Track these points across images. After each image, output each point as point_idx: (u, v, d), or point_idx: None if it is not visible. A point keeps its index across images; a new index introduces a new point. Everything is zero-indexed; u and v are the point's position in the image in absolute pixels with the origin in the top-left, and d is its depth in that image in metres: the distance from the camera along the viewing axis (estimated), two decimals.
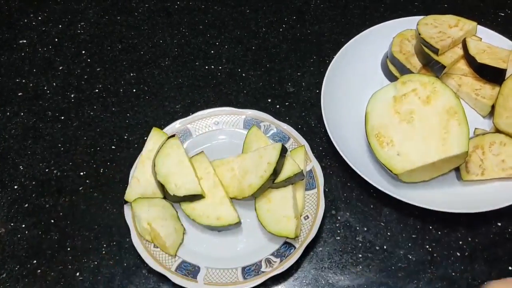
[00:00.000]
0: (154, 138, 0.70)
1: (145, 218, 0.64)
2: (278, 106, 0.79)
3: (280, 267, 0.62)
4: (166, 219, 0.65)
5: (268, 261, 0.63)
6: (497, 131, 0.71)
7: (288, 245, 0.64)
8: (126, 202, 0.67)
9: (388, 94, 0.69)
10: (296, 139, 0.72)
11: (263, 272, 0.62)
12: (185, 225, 0.67)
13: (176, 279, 0.62)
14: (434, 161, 0.64)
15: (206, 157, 0.69)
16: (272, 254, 0.63)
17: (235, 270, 0.63)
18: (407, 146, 0.66)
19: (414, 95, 0.68)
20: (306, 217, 0.65)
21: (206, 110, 0.75)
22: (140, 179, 0.68)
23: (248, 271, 0.62)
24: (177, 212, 0.67)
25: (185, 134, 0.74)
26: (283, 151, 0.64)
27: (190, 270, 0.63)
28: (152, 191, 0.67)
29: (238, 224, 0.65)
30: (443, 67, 0.75)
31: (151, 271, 0.65)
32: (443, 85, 0.67)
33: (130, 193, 0.67)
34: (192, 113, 0.78)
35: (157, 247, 0.64)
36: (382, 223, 0.68)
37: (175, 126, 0.74)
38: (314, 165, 0.69)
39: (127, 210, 0.67)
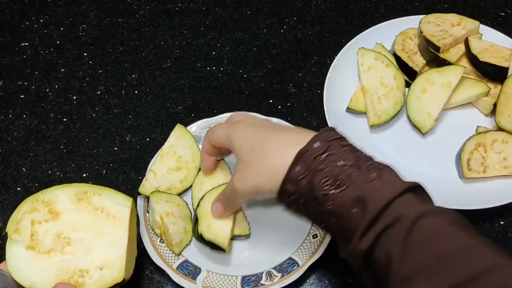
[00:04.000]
0: (177, 134, 0.71)
1: (159, 211, 0.64)
2: (280, 107, 0.79)
3: (279, 282, 0.61)
4: (178, 218, 0.65)
5: (269, 274, 0.63)
6: (499, 129, 0.71)
7: (292, 261, 0.63)
8: (139, 194, 0.67)
9: None
10: None
11: (262, 284, 0.61)
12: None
13: (176, 277, 0.62)
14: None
15: (227, 165, 0.69)
16: (275, 268, 0.63)
17: (235, 278, 0.63)
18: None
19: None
20: (314, 236, 0.65)
21: (231, 113, 0.74)
22: (157, 173, 0.68)
23: (248, 281, 0.62)
24: (191, 213, 0.67)
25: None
26: None
27: (191, 271, 0.63)
28: (167, 187, 0.68)
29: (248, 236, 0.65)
30: (449, 64, 0.75)
31: (154, 271, 0.65)
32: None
33: (145, 186, 0.67)
34: (194, 115, 0.79)
35: (163, 242, 0.64)
36: None
37: (199, 124, 0.74)
38: None
39: (140, 202, 0.67)
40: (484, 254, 0.45)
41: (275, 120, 0.71)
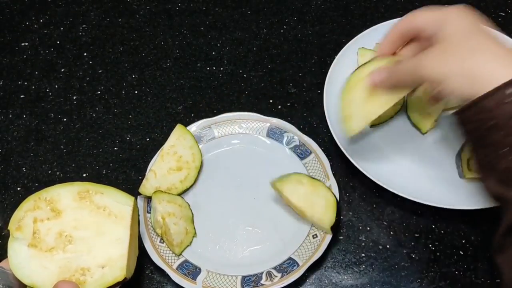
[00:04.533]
0: (177, 134, 0.71)
1: (161, 211, 0.64)
2: (279, 107, 0.79)
3: (279, 283, 0.61)
4: (180, 218, 0.65)
5: (269, 274, 0.63)
6: None
7: (291, 261, 0.63)
8: (139, 194, 0.68)
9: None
10: (317, 154, 0.71)
11: (262, 284, 0.62)
12: (197, 229, 0.67)
13: (176, 277, 0.62)
14: None
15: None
16: (274, 268, 0.63)
17: (235, 278, 0.63)
18: None
19: None
20: (314, 236, 0.65)
21: (231, 113, 0.75)
22: (157, 173, 0.69)
23: (248, 281, 0.62)
24: (192, 215, 0.67)
25: (208, 133, 0.74)
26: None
27: (190, 271, 0.63)
28: (167, 187, 0.68)
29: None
30: None
31: (154, 271, 0.65)
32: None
33: (146, 186, 0.68)
34: (194, 115, 0.79)
35: (163, 242, 0.64)
36: (385, 222, 0.68)
37: (199, 124, 0.75)
38: (331, 184, 0.68)
39: (140, 202, 0.67)
40: None
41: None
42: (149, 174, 0.69)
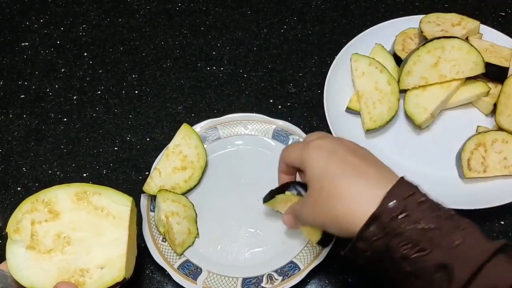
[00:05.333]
0: (183, 133, 0.71)
1: (164, 210, 0.64)
2: (280, 107, 0.79)
3: (280, 286, 0.61)
4: (183, 218, 0.65)
5: (270, 277, 0.62)
6: (499, 129, 0.71)
7: (293, 264, 0.63)
8: (143, 192, 0.68)
9: None
10: None
11: (262, 287, 0.61)
12: (200, 229, 0.67)
13: (177, 277, 0.62)
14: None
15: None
16: (275, 271, 0.63)
17: (236, 279, 0.63)
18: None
19: None
20: None
21: (237, 114, 0.75)
22: (162, 172, 0.69)
23: (248, 283, 0.62)
24: (196, 215, 0.67)
25: (213, 133, 0.74)
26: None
27: (192, 271, 0.63)
28: (171, 186, 0.68)
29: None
30: None
31: (154, 271, 0.65)
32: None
33: (150, 184, 0.68)
34: (194, 115, 0.79)
35: (165, 241, 0.64)
36: None
37: (203, 125, 0.74)
38: None
39: (143, 200, 0.67)
40: None
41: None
42: (153, 172, 0.69)
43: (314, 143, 0.55)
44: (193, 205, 0.67)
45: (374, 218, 0.47)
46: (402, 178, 0.50)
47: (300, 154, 0.56)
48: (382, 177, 0.50)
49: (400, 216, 0.46)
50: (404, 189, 0.48)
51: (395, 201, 0.47)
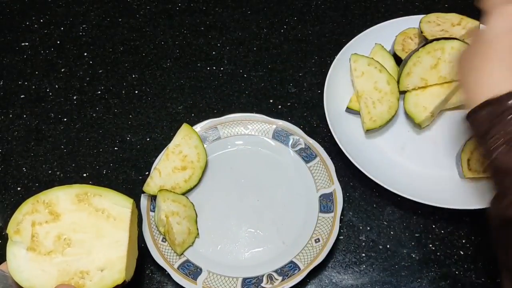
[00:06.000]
0: (183, 133, 0.71)
1: (165, 210, 0.65)
2: (280, 107, 0.79)
3: (280, 286, 0.61)
4: (183, 218, 0.65)
5: (270, 277, 0.63)
6: None
7: (293, 264, 0.63)
8: (143, 192, 0.68)
9: None
10: (322, 158, 0.71)
11: (262, 287, 0.62)
12: (200, 229, 0.67)
13: (177, 276, 0.62)
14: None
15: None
16: (275, 271, 0.63)
17: (236, 279, 0.63)
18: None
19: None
20: (317, 240, 0.65)
21: (237, 114, 0.75)
22: (162, 172, 0.69)
23: (248, 283, 0.62)
24: (196, 215, 0.67)
25: (213, 133, 0.74)
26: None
27: (191, 271, 0.63)
28: (171, 186, 0.68)
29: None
30: None
31: (154, 271, 0.65)
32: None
33: (150, 184, 0.68)
34: (194, 115, 0.79)
35: (165, 241, 0.64)
36: (385, 222, 0.68)
37: (203, 125, 0.74)
38: (335, 188, 0.68)
39: (143, 201, 0.67)
40: None
41: None
42: (153, 172, 0.69)
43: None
44: (193, 205, 0.68)
45: (487, 104, 0.51)
46: None
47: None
48: None
49: (509, 117, 0.49)
50: None
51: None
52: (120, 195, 0.60)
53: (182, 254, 0.64)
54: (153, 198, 0.68)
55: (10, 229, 0.56)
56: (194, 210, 0.67)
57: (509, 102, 0.50)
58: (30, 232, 0.56)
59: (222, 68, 0.84)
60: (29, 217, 0.57)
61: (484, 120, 0.51)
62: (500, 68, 0.53)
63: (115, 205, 0.59)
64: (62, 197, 0.58)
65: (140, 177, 0.72)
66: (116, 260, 0.56)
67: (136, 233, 0.62)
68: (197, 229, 0.66)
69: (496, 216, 0.50)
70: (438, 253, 0.66)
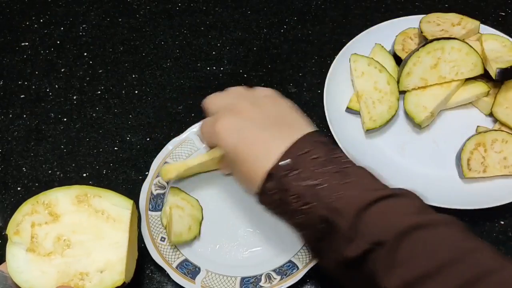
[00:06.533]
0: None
1: (170, 202, 0.65)
2: None
3: (278, 285, 0.61)
4: (187, 215, 0.65)
5: (269, 277, 0.62)
6: (499, 128, 0.71)
7: (291, 264, 0.63)
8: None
9: None
10: None
11: (261, 286, 0.61)
12: (203, 231, 0.67)
13: (175, 276, 0.62)
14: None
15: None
16: (274, 270, 0.63)
17: (234, 278, 0.63)
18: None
19: None
20: None
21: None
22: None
23: (247, 283, 0.62)
24: (202, 219, 0.67)
25: None
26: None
27: (190, 270, 0.63)
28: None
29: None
30: None
31: (154, 271, 0.65)
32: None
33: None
34: (194, 115, 0.79)
35: (163, 240, 0.64)
36: None
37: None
38: None
39: (142, 201, 0.68)
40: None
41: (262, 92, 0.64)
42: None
43: (221, 125, 0.57)
44: (201, 208, 0.67)
45: (270, 175, 0.52)
46: (302, 137, 0.53)
47: (210, 138, 0.59)
48: (282, 142, 0.53)
49: (290, 174, 0.50)
50: (300, 147, 0.52)
51: (289, 160, 0.51)
52: (120, 196, 0.60)
53: (177, 245, 0.64)
54: (152, 198, 0.68)
55: (10, 230, 0.56)
56: (202, 213, 0.67)
57: (283, 163, 0.51)
58: (29, 233, 0.56)
59: (222, 68, 0.84)
60: (28, 218, 0.57)
61: (273, 191, 0.52)
62: (254, 144, 0.54)
63: (115, 206, 0.59)
64: (62, 198, 0.58)
65: (140, 177, 0.72)
66: (116, 261, 0.56)
67: (136, 234, 0.62)
68: (200, 230, 0.66)
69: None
70: None
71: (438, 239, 0.46)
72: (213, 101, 0.62)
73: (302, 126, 0.56)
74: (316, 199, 0.49)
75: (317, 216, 0.49)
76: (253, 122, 0.56)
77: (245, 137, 0.55)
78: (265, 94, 0.61)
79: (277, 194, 0.52)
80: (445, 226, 0.47)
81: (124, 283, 0.56)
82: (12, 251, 0.55)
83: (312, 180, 0.50)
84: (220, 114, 0.58)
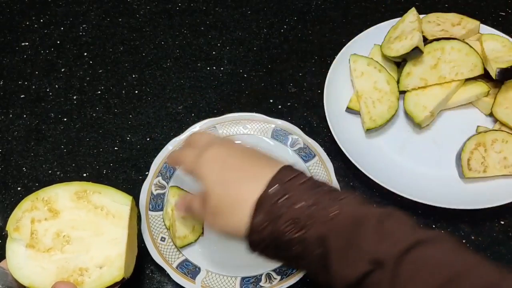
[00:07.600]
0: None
1: (172, 203, 0.65)
2: (280, 107, 0.79)
3: (278, 285, 0.61)
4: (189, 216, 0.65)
5: (269, 276, 0.63)
6: (500, 128, 0.71)
7: None
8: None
9: None
10: (321, 157, 0.71)
11: (261, 286, 0.62)
12: (205, 231, 0.67)
13: (175, 276, 0.62)
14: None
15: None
16: (274, 270, 0.63)
17: (234, 278, 0.63)
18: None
19: None
20: None
21: (236, 114, 0.75)
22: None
23: (247, 283, 0.62)
24: None
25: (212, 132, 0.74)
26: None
27: (190, 270, 0.63)
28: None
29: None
30: None
31: (154, 271, 0.65)
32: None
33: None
34: (194, 115, 0.79)
35: (164, 240, 0.64)
36: None
37: (202, 124, 0.74)
38: None
39: (142, 200, 0.68)
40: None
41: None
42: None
43: (206, 155, 0.55)
44: None
45: (258, 206, 0.49)
46: (285, 166, 0.52)
47: (192, 168, 0.56)
48: (267, 172, 0.51)
49: (280, 200, 0.48)
50: (286, 174, 0.51)
51: (276, 185, 0.49)
52: (119, 192, 0.60)
53: (181, 248, 0.64)
54: (152, 197, 0.68)
55: (10, 226, 0.56)
56: None
57: (271, 190, 0.49)
58: (29, 229, 0.56)
59: (222, 68, 0.84)
60: (28, 214, 0.57)
61: (263, 225, 0.49)
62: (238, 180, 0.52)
63: (114, 202, 0.59)
64: (61, 195, 0.58)
65: (140, 177, 0.72)
66: (115, 257, 0.56)
67: (136, 231, 0.62)
68: (203, 228, 0.66)
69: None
70: None
71: (438, 256, 0.45)
72: (182, 161, 0.60)
73: (278, 160, 0.54)
74: (312, 220, 0.47)
75: (314, 239, 0.47)
76: (236, 154, 0.55)
77: (230, 164, 0.54)
78: (228, 139, 0.60)
79: (268, 227, 0.49)
80: (440, 242, 0.46)
81: (123, 278, 0.56)
82: (12, 248, 0.55)
83: (305, 201, 0.48)
84: (204, 147, 0.56)
